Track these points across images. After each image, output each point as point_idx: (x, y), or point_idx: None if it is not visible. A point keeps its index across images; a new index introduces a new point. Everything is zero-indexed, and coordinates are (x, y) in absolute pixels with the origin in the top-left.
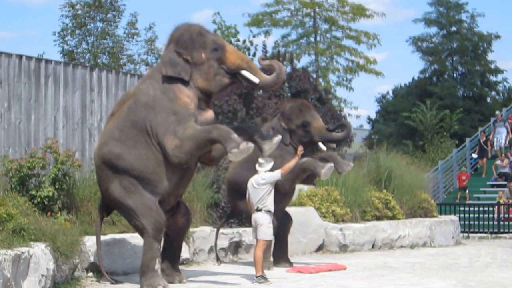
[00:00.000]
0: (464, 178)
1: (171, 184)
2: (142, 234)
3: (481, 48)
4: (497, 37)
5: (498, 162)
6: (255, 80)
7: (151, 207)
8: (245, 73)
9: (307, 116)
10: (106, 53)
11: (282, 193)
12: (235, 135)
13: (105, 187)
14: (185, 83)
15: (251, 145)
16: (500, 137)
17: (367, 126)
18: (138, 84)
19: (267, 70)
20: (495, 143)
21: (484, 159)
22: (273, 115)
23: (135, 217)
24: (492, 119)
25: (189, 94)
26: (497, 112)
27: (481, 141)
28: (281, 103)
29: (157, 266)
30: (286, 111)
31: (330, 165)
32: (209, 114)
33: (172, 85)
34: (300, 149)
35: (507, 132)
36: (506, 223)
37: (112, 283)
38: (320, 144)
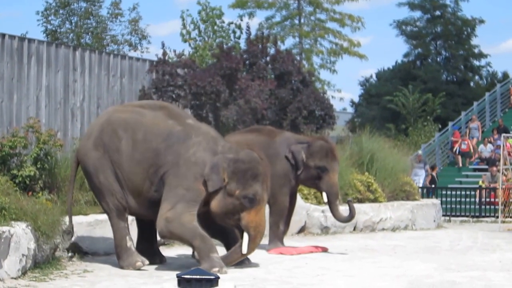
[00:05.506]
0: None
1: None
2: (107, 213)
3: (465, 33)
4: (481, 21)
5: (481, 146)
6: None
7: (115, 192)
8: (245, 238)
9: (329, 164)
10: (89, 33)
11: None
12: (214, 255)
13: (83, 152)
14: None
15: (224, 272)
16: (418, 179)
17: (350, 109)
18: (187, 127)
19: None
20: None
21: None
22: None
23: (100, 196)
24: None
25: (204, 191)
26: (419, 151)
27: None
28: (310, 138)
29: (129, 243)
30: (314, 147)
31: None
32: None
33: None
34: None
35: (426, 175)
36: (488, 207)
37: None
38: (324, 194)
